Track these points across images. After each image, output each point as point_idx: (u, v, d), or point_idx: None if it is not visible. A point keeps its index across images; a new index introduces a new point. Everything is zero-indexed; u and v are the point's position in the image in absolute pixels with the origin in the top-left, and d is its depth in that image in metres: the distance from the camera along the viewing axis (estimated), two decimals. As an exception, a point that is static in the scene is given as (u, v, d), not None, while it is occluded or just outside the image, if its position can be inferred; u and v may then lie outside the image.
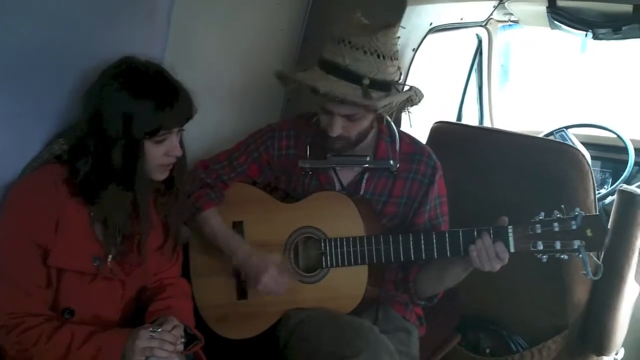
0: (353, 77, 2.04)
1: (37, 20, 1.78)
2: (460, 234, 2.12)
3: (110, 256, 1.92)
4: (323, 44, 2.13)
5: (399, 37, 2.15)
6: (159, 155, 1.88)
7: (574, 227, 2.01)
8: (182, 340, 1.90)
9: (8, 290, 1.81)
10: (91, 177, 1.83)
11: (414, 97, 2.16)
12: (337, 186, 2.35)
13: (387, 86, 2.11)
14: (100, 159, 1.82)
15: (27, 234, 1.81)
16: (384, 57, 2.05)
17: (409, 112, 2.22)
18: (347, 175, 2.36)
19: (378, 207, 2.33)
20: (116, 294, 1.99)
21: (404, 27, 2.27)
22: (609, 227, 2.79)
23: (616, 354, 3.10)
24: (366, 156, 2.29)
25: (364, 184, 2.32)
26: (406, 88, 2.19)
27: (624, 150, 3.65)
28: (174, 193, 2.05)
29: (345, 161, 2.31)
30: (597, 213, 2.81)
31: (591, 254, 2.04)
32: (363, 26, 2.11)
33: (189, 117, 1.91)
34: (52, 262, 1.83)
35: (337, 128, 2.14)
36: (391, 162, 2.28)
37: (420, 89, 2.22)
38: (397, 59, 2.12)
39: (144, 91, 1.80)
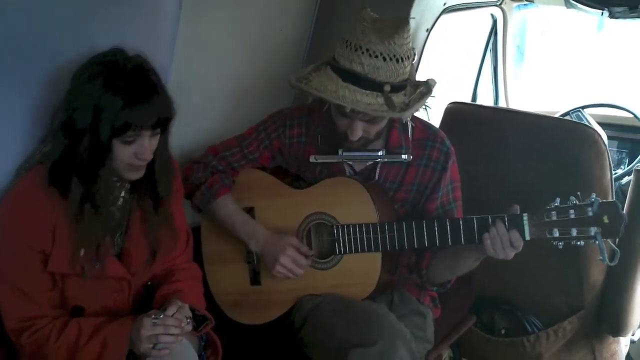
0: (374, 85, 2.01)
1: (28, 16, 1.76)
2: (475, 221, 2.09)
3: (110, 254, 1.90)
4: (335, 46, 2.10)
5: (411, 34, 2.10)
6: (128, 155, 1.78)
7: (590, 213, 1.98)
8: (189, 320, 1.88)
9: (14, 298, 1.81)
10: (57, 167, 1.78)
11: (430, 90, 2.13)
12: (349, 173, 2.34)
13: (405, 85, 2.09)
14: (67, 149, 1.76)
15: (23, 242, 1.79)
16: (402, 59, 2.01)
17: (426, 107, 2.19)
18: (359, 165, 2.34)
19: (390, 193, 2.32)
20: (123, 292, 1.98)
21: (413, 17, 2.22)
22: (625, 207, 2.77)
23: (633, 335, 3.09)
24: (378, 150, 2.27)
25: (377, 172, 2.31)
26: (420, 87, 2.14)
27: (641, 130, 3.62)
28: (156, 195, 1.97)
29: (357, 157, 2.29)
30: (614, 193, 2.79)
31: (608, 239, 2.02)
32: (377, 29, 2.04)
33: (162, 120, 1.80)
34: (52, 268, 1.82)
35: (359, 132, 2.12)
36: (404, 156, 2.26)
37: (434, 70, 2.20)
38: (412, 56, 2.09)
39: (116, 86, 1.71)
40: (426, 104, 2.17)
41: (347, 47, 2.03)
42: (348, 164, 2.32)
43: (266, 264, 2.28)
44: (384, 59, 1.99)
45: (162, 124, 1.82)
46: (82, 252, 1.83)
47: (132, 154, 1.79)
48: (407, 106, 2.05)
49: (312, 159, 2.30)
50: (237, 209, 2.32)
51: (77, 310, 1.90)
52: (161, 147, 1.89)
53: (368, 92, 2.01)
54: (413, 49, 2.09)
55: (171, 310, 1.84)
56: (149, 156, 1.83)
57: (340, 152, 2.26)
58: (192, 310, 1.95)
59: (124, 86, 1.72)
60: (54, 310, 1.86)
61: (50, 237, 1.80)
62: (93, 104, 1.70)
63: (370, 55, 1.99)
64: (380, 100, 2.02)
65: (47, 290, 1.85)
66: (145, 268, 2.02)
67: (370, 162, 2.31)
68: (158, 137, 1.85)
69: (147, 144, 1.80)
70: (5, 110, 1.83)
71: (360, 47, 2.00)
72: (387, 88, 2.01)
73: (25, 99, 1.87)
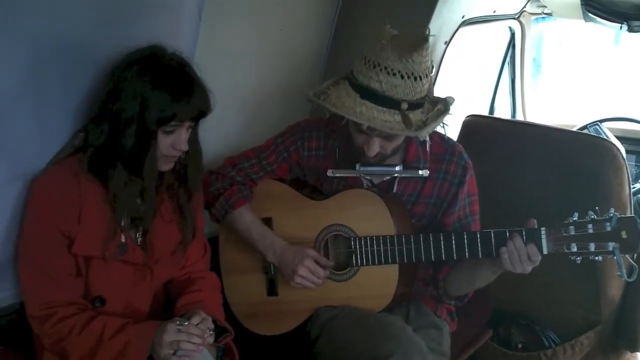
0: (391, 103, 2.00)
1: (58, 12, 1.78)
2: (492, 235, 2.09)
3: (123, 239, 1.94)
4: (354, 63, 2.09)
5: (430, 52, 2.09)
6: (165, 146, 1.88)
7: (609, 228, 1.96)
8: (212, 332, 1.91)
9: (39, 281, 1.85)
10: (101, 154, 1.86)
11: (448, 108, 2.12)
12: (366, 185, 2.33)
13: (422, 103, 2.08)
14: (112, 137, 1.84)
15: (52, 224, 1.84)
16: (420, 78, 2.00)
17: (444, 125, 2.19)
18: (377, 178, 2.33)
19: (407, 207, 2.31)
20: (145, 282, 2.01)
21: (433, 35, 2.22)
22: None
23: (650, 350, 3.07)
24: (395, 165, 2.26)
25: (395, 186, 2.30)
26: (438, 104, 2.14)
27: (659, 144, 3.61)
28: (187, 191, 2.07)
29: (374, 171, 2.28)
30: (632, 207, 2.78)
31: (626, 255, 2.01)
32: (396, 46, 2.02)
33: (202, 112, 1.91)
34: (77, 250, 1.86)
35: (375, 148, 2.10)
36: (421, 172, 2.25)
37: (452, 83, 2.20)
38: (430, 74, 2.08)
39: (163, 81, 1.82)
40: (443, 121, 2.17)
41: (365, 64, 2.02)
42: (366, 178, 2.32)
43: (284, 275, 2.28)
44: (402, 76, 1.97)
45: (202, 116, 1.93)
46: (119, 236, 1.91)
47: (170, 145, 1.89)
48: (424, 124, 2.04)
49: (329, 173, 2.30)
50: (255, 220, 2.33)
51: (99, 301, 1.92)
52: (193, 139, 1.99)
53: (385, 109, 2.00)
54: (432, 66, 2.09)
55: (195, 320, 1.87)
56: (185, 147, 1.92)
57: (357, 166, 2.25)
58: (214, 321, 1.96)
59: (171, 81, 1.83)
60: (77, 298, 1.89)
61: (76, 220, 1.85)
62: (141, 97, 1.80)
63: (388, 73, 1.98)
64: (398, 117, 2.01)
65: (71, 275, 1.88)
66: (169, 259, 2.06)
67: (388, 177, 2.32)
68: (195, 131, 1.98)
69: (184, 135, 1.91)
70: (39, 109, 1.88)
71: (379, 65, 1.98)
72: (405, 106, 2.00)
73: (61, 97, 1.93)
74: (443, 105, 2.12)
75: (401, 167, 2.26)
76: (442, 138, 2.34)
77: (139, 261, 1.97)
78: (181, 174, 2.04)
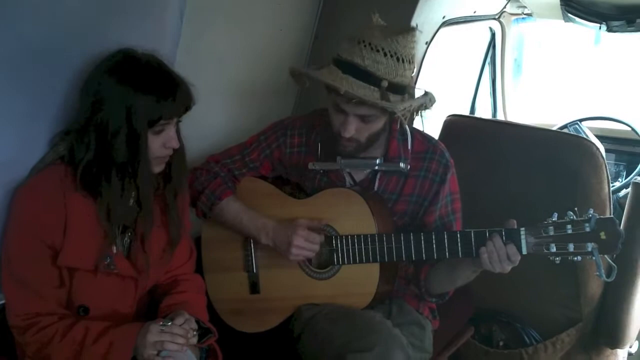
0: (372, 79, 2.02)
1: (38, 16, 1.76)
2: (472, 234, 2.10)
3: (115, 251, 1.92)
4: (339, 43, 2.11)
5: (416, 42, 2.12)
6: (157, 147, 1.87)
7: (588, 229, 1.98)
8: (195, 333, 1.91)
9: (21, 292, 1.83)
10: (92, 168, 1.82)
11: (428, 103, 2.14)
12: (349, 184, 2.35)
13: (403, 90, 2.09)
14: (102, 150, 1.81)
15: (36, 235, 1.81)
16: (402, 60, 2.02)
17: (422, 116, 2.20)
18: (359, 175, 2.35)
19: (389, 205, 2.32)
20: (129, 291, 2.00)
21: (421, 31, 2.24)
22: (623, 219, 2.79)
23: (630, 347, 3.09)
24: (376, 158, 2.27)
25: (377, 183, 2.32)
26: (421, 93, 2.17)
27: (638, 143, 3.64)
28: (173, 190, 2.05)
29: (355, 164, 2.29)
30: (612, 206, 2.80)
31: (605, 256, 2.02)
32: (382, 28, 2.08)
33: (187, 107, 1.90)
34: (62, 262, 1.84)
35: (351, 128, 2.11)
36: (401, 164, 2.26)
37: (433, 83, 2.22)
38: (414, 63, 2.10)
39: (145, 84, 1.80)
40: (422, 113, 2.18)
41: (350, 41, 2.05)
42: (348, 173, 2.33)
43: (281, 252, 2.25)
44: (385, 54, 2.00)
45: (187, 110, 1.92)
46: (111, 247, 1.90)
47: (161, 145, 1.88)
48: (402, 104, 2.05)
49: (310, 166, 2.30)
50: (243, 207, 2.33)
51: (82, 310, 1.91)
52: (177, 137, 1.97)
53: (365, 85, 2.02)
54: (414, 56, 2.10)
55: (179, 320, 1.87)
56: (176, 144, 1.92)
57: (338, 159, 2.26)
58: (197, 322, 1.96)
59: (153, 83, 1.81)
60: (60, 308, 1.87)
61: (61, 232, 1.83)
62: (124, 105, 1.77)
63: (372, 49, 2.00)
64: (377, 94, 2.02)
65: (54, 286, 1.86)
66: (158, 265, 2.05)
67: (369, 171, 2.32)
68: (179, 125, 1.96)
69: (173, 132, 1.90)
70: (19, 115, 1.85)
71: (363, 41, 2.01)
72: (385, 84, 2.02)
73: (40, 103, 1.89)
74: (424, 99, 2.14)
75: (382, 160, 2.28)
76: (424, 136, 2.37)
77: (127, 273, 1.96)
78: (166, 172, 2.01)
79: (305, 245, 2.21)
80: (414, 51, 2.09)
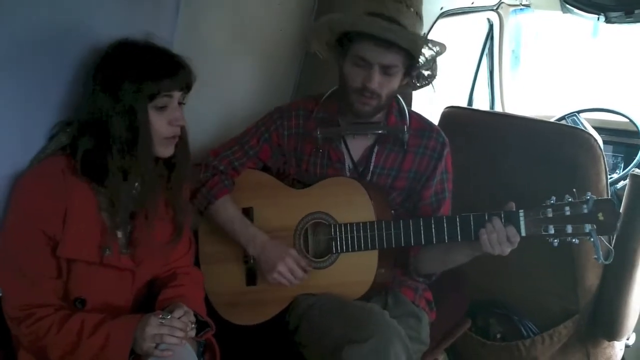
0: (396, 26, 2.06)
1: (35, 6, 1.77)
2: (472, 218, 2.11)
3: (115, 243, 1.92)
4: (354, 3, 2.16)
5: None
6: (162, 125, 1.88)
7: (586, 210, 1.99)
8: (193, 326, 1.90)
9: (19, 282, 1.82)
10: (94, 154, 1.83)
11: (442, 48, 2.17)
12: (348, 161, 2.36)
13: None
14: (103, 136, 1.82)
15: (36, 225, 1.81)
16: (418, 14, 2.09)
17: (432, 85, 2.24)
18: (357, 150, 2.36)
19: (388, 181, 2.34)
20: (126, 283, 1.99)
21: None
22: (621, 211, 2.78)
23: (627, 339, 3.09)
24: (379, 122, 2.31)
25: (374, 158, 2.33)
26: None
27: (636, 134, 3.63)
28: (178, 180, 2.05)
29: (359, 128, 2.32)
30: (609, 197, 2.80)
31: (603, 238, 2.02)
32: None
33: (188, 83, 1.92)
34: (61, 253, 1.83)
35: (376, 79, 2.13)
36: (405, 127, 2.29)
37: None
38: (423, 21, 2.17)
39: (144, 60, 1.83)
40: (433, 84, 2.27)
41: None
42: (347, 151, 2.35)
43: (263, 269, 2.29)
44: (407, 5, 2.06)
45: (188, 88, 1.93)
46: (112, 239, 1.90)
47: (167, 123, 1.89)
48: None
49: (317, 134, 2.30)
50: (237, 213, 2.34)
51: (79, 302, 1.90)
52: None
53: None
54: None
55: (178, 313, 1.86)
56: (183, 120, 1.93)
57: (342, 123, 2.32)
58: (195, 315, 1.95)
59: (152, 58, 1.85)
60: (56, 300, 1.86)
61: (61, 222, 1.82)
62: (126, 80, 1.79)
63: (394, 0, 2.06)
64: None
65: (51, 277, 1.85)
66: (155, 258, 2.05)
67: (368, 147, 2.35)
68: (181, 107, 1.95)
69: (178, 111, 1.91)
70: (19, 105, 1.85)
71: None
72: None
73: (41, 92, 1.90)
74: (440, 46, 2.17)
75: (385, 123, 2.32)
76: (420, 117, 2.42)
77: (125, 266, 1.95)
78: (171, 162, 2.01)
79: (287, 275, 2.24)
80: (421, 15, 2.15)
